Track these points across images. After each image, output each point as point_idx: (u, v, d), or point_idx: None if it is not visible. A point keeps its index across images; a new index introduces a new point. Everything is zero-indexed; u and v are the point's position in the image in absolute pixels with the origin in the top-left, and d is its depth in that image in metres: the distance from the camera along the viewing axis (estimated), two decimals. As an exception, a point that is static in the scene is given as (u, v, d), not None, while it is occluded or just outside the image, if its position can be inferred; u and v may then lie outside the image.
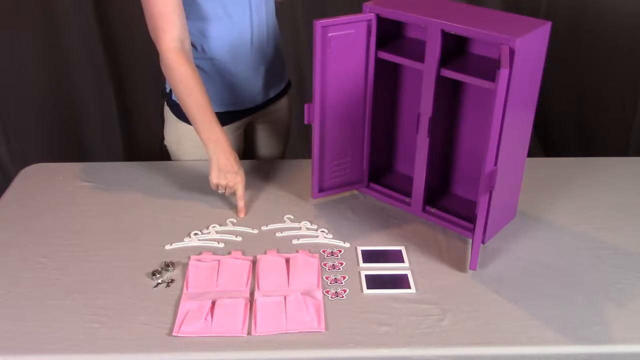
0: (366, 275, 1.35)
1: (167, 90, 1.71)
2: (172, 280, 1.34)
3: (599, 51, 2.78)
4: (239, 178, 1.53)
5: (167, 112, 1.74)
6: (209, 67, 1.65)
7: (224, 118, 1.66)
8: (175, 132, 1.73)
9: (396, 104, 1.62)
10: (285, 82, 1.85)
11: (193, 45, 1.62)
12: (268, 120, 1.85)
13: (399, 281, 1.34)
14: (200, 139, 1.53)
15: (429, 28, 1.36)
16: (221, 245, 1.44)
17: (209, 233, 1.48)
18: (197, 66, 1.63)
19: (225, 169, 1.51)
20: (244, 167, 1.55)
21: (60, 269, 1.37)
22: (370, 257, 1.41)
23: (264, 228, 1.50)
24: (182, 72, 1.49)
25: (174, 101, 1.67)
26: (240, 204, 1.54)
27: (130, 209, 1.57)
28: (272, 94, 1.79)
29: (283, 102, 1.85)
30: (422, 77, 1.42)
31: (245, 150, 1.88)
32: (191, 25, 1.58)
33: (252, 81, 1.71)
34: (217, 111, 1.55)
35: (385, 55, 1.48)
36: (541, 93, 1.43)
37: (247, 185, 1.56)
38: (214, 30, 1.60)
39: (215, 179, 1.52)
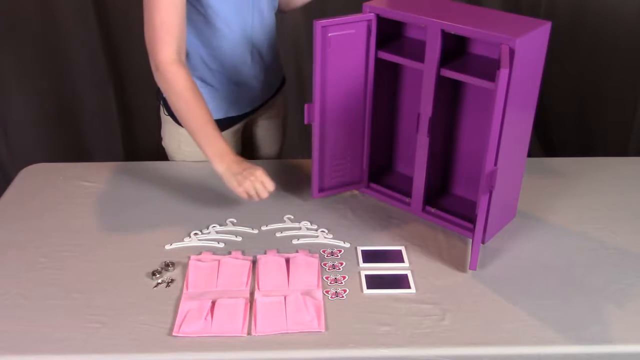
0: (366, 275, 1.35)
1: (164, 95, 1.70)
2: (172, 280, 1.34)
3: (598, 51, 2.77)
4: (258, 171, 1.42)
5: (165, 116, 1.73)
6: (211, 78, 1.65)
7: (223, 123, 1.67)
8: (175, 137, 1.73)
9: (396, 104, 1.62)
10: (280, 80, 1.85)
11: (197, 57, 1.62)
12: (266, 117, 1.86)
13: (399, 281, 1.34)
14: (204, 153, 1.46)
15: (429, 28, 1.36)
16: (221, 245, 1.44)
17: (209, 233, 1.48)
18: (199, 77, 1.64)
19: (239, 171, 1.42)
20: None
21: (60, 269, 1.37)
22: (370, 257, 1.41)
23: (264, 228, 1.50)
24: (181, 87, 1.44)
25: None
26: (269, 186, 1.43)
27: (130, 209, 1.57)
28: (269, 95, 1.79)
29: (278, 98, 1.86)
30: (422, 77, 1.41)
31: (245, 150, 1.88)
32: (194, 37, 1.58)
33: (252, 89, 1.72)
34: (217, 118, 1.54)
35: (385, 55, 1.48)
36: (541, 93, 1.43)
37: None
38: (216, 43, 1.59)
39: (238, 186, 1.42)
